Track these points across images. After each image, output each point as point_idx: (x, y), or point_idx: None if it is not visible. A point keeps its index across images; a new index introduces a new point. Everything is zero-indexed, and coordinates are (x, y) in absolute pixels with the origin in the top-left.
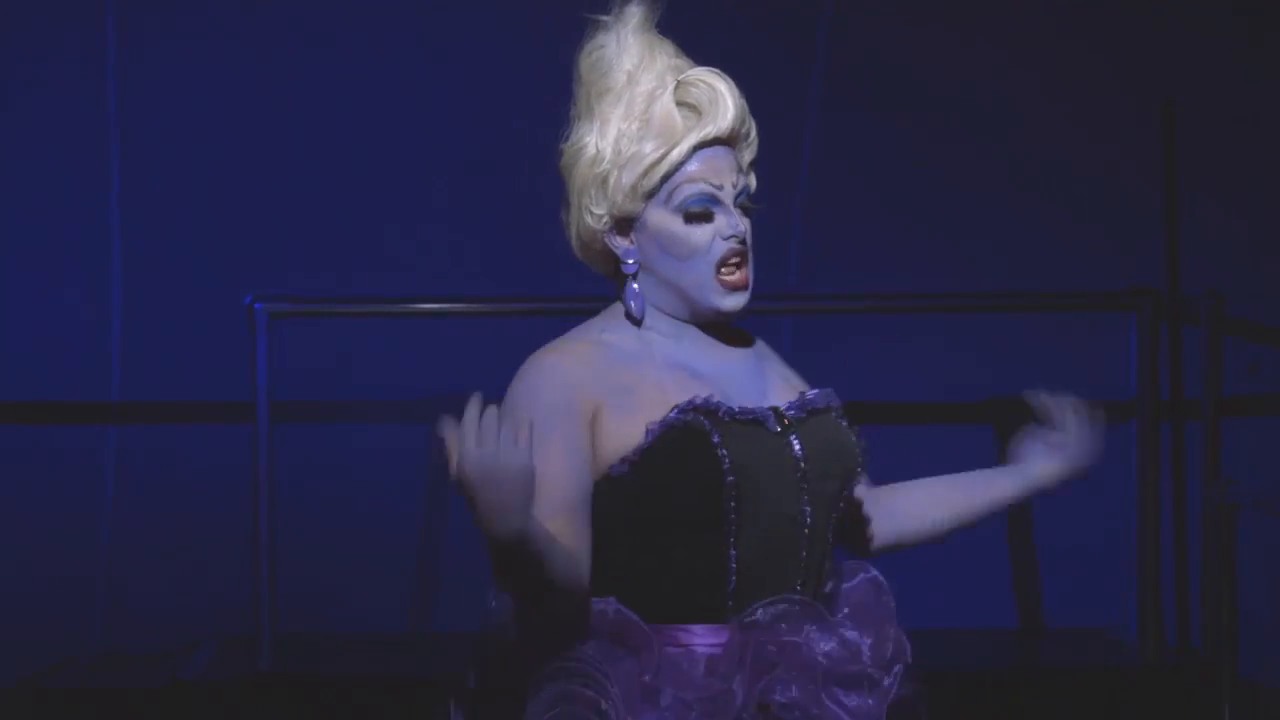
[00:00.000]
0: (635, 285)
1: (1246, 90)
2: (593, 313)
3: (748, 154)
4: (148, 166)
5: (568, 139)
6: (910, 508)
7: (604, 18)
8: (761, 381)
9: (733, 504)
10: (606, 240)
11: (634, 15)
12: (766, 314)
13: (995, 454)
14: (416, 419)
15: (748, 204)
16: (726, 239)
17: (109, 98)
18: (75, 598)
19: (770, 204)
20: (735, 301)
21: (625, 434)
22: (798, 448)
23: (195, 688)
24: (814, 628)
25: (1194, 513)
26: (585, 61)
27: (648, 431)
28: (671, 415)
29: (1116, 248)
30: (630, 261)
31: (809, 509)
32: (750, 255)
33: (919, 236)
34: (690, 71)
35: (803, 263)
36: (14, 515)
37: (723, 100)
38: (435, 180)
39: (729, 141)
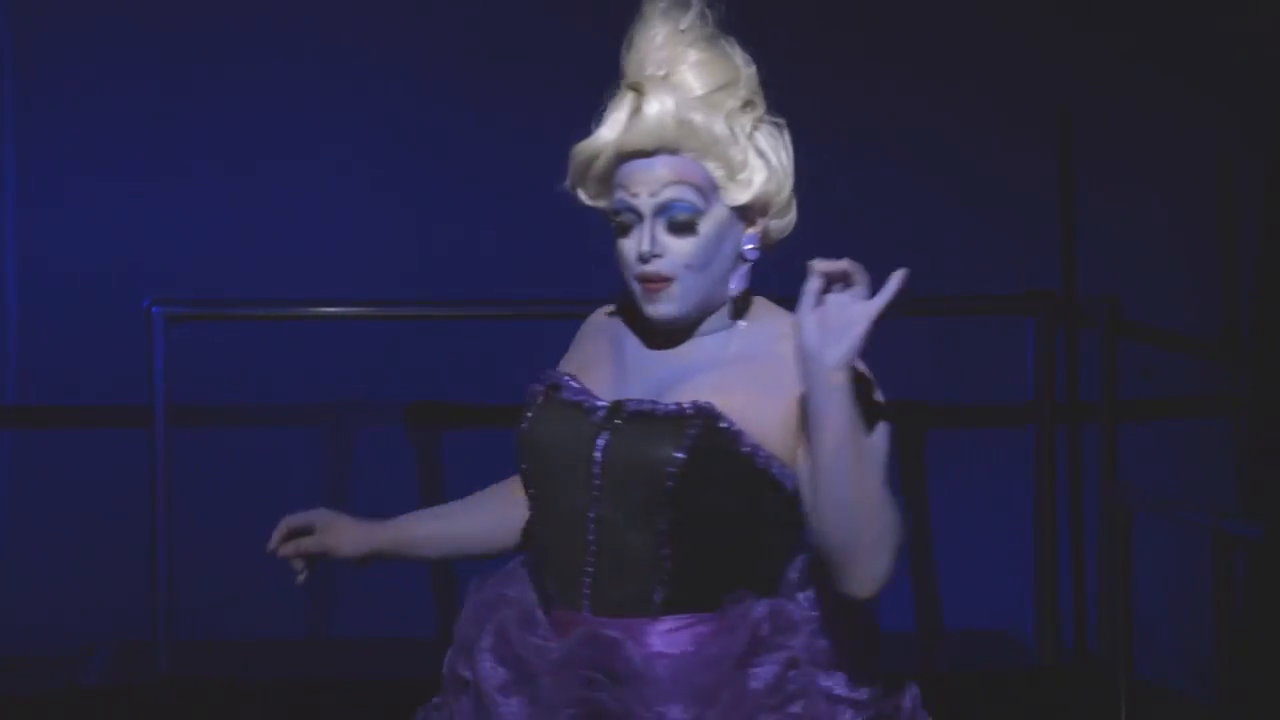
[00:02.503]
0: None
1: (1140, 96)
2: (496, 318)
3: (703, 157)
4: (44, 166)
5: None
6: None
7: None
8: (683, 378)
9: (531, 487)
10: None
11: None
12: None
13: (894, 457)
14: (315, 423)
15: (682, 219)
16: (638, 260)
17: (5, 98)
18: None
19: None
20: (660, 310)
21: None
22: (600, 445)
23: (93, 693)
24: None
25: (1090, 515)
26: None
27: (526, 398)
28: (533, 386)
29: (1013, 252)
30: None
31: (598, 509)
32: (688, 273)
33: (816, 240)
34: (650, 70)
35: None
36: None
37: (642, 117)
38: (336, 182)
39: (654, 153)
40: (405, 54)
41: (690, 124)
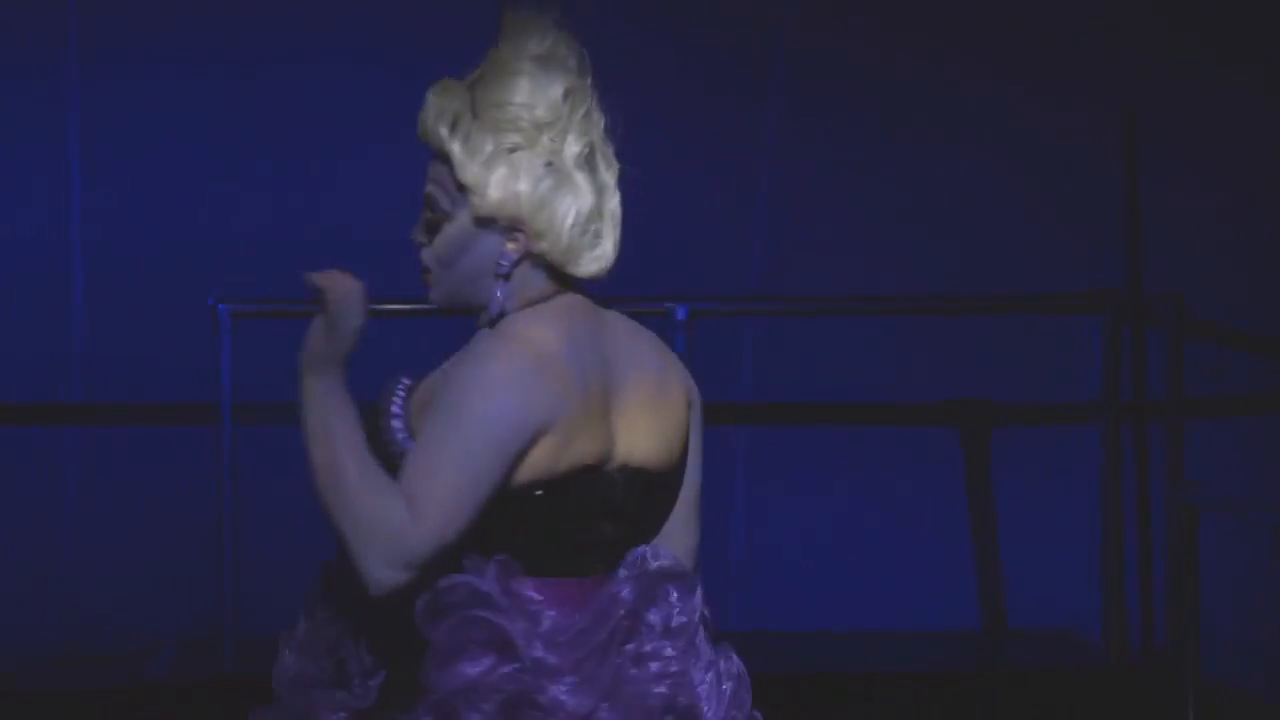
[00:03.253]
0: None
1: (1206, 94)
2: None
3: (446, 169)
4: (110, 165)
5: None
6: None
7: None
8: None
9: None
10: None
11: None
12: (730, 315)
13: (960, 456)
14: None
15: (429, 216)
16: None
17: (72, 99)
18: (36, 599)
19: (733, 206)
20: (429, 294)
21: None
22: None
23: (158, 689)
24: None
25: (1157, 514)
26: None
27: None
28: None
29: (1079, 251)
30: None
31: None
32: (438, 266)
33: (883, 240)
34: (472, 73)
35: (766, 265)
36: None
37: (421, 111)
38: (401, 181)
39: (430, 150)
40: (467, 58)
41: (434, 131)
